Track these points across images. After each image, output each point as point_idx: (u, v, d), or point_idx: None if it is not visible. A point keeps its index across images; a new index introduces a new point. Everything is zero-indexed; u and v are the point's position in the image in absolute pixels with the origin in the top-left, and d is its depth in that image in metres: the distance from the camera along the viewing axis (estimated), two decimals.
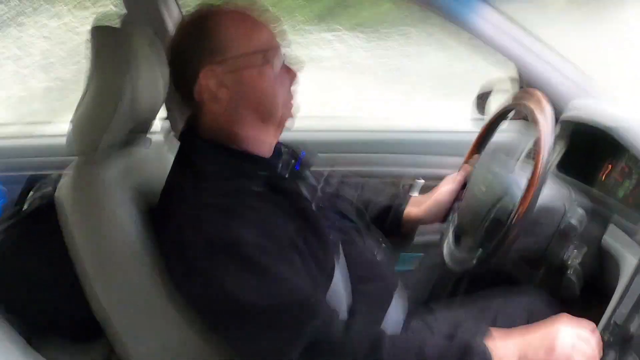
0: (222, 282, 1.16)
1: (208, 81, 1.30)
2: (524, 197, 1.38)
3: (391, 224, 1.74)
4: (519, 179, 1.47)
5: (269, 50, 1.32)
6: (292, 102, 1.40)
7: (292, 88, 1.39)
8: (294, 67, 1.38)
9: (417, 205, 1.75)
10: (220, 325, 1.22)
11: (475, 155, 1.75)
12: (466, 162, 1.78)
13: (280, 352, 1.16)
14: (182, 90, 1.37)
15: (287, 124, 1.41)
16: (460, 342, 1.21)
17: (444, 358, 1.19)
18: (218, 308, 1.19)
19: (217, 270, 1.17)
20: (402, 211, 1.75)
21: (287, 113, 1.38)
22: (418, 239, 1.84)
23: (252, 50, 1.31)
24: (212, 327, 1.25)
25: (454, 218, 1.70)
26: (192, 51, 1.33)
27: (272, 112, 1.35)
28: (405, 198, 1.79)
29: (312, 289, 1.23)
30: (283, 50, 1.37)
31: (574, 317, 1.27)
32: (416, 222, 1.74)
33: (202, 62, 1.31)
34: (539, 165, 1.37)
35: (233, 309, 1.17)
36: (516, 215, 1.38)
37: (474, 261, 1.47)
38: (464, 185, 1.71)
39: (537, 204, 1.39)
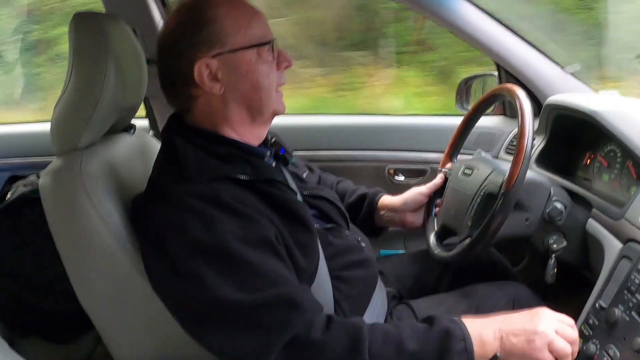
0: (206, 282, 1.14)
1: (202, 74, 1.27)
2: (514, 164, 1.36)
3: (365, 213, 1.74)
4: (503, 160, 1.47)
5: (263, 43, 1.31)
6: (281, 93, 1.38)
7: (284, 78, 1.37)
8: (287, 56, 1.36)
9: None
10: (201, 326, 1.19)
11: (449, 165, 1.76)
12: (441, 169, 1.77)
13: (263, 348, 1.14)
14: (172, 81, 1.33)
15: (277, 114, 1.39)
16: (440, 327, 1.19)
17: (423, 346, 1.17)
18: (201, 308, 1.16)
19: (200, 270, 1.15)
20: (378, 200, 1.75)
21: (278, 105, 1.36)
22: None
23: (248, 44, 1.29)
24: (191, 328, 1.21)
25: (437, 211, 1.70)
26: (186, 41, 1.28)
27: (264, 106, 1.33)
28: (380, 191, 1.80)
29: (297, 283, 1.22)
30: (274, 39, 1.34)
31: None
32: (388, 210, 1.73)
33: (196, 53, 1.27)
34: (525, 134, 1.36)
35: (217, 307, 1.14)
36: (508, 183, 1.36)
37: (462, 248, 1.46)
38: (440, 192, 1.71)
39: (526, 178, 1.37)
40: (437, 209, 1.70)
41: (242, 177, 1.26)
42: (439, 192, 1.71)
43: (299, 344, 1.14)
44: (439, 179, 1.73)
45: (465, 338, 1.17)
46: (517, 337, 1.19)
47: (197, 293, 1.15)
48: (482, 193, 1.47)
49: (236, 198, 1.21)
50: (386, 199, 1.75)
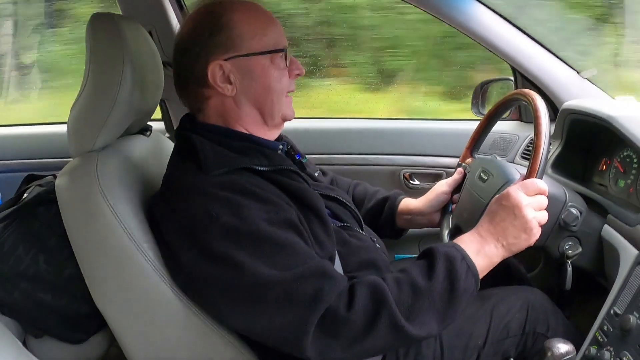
0: (241, 263, 1.17)
1: (215, 76, 1.31)
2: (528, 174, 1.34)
3: (386, 216, 1.75)
4: (519, 168, 1.45)
5: (277, 50, 1.34)
6: (291, 99, 1.42)
7: (294, 85, 1.41)
8: (298, 64, 1.40)
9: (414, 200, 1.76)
10: (239, 309, 1.22)
11: (469, 160, 1.75)
12: (460, 164, 1.76)
13: (301, 323, 1.16)
14: (186, 81, 1.36)
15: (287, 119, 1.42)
16: (440, 255, 1.24)
17: (433, 278, 1.22)
18: (238, 290, 1.19)
19: (234, 253, 1.17)
20: (398, 203, 1.76)
21: (288, 110, 1.40)
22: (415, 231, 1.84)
23: (262, 50, 1.33)
24: (229, 314, 1.25)
25: (453, 207, 1.69)
26: (202, 44, 1.32)
27: (273, 110, 1.37)
28: (400, 194, 1.80)
29: (321, 258, 1.25)
30: (288, 47, 1.37)
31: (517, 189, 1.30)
32: (414, 214, 1.74)
33: (211, 55, 1.31)
34: (540, 146, 1.34)
35: (254, 287, 1.17)
36: None
37: None
38: (458, 188, 1.70)
39: None
40: (454, 205, 1.69)
41: (259, 167, 1.30)
42: (457, 187, 1.71)
43: (331, 316, 1.16)
44: (458, 174, 1.72)
45: (464, 257, 1.24)
46: (516, 238, 1.29)
47: (233, 276, 1.18)
48: None
49: (256, 185, 1.25)
50: (410, 203, 1.76)
